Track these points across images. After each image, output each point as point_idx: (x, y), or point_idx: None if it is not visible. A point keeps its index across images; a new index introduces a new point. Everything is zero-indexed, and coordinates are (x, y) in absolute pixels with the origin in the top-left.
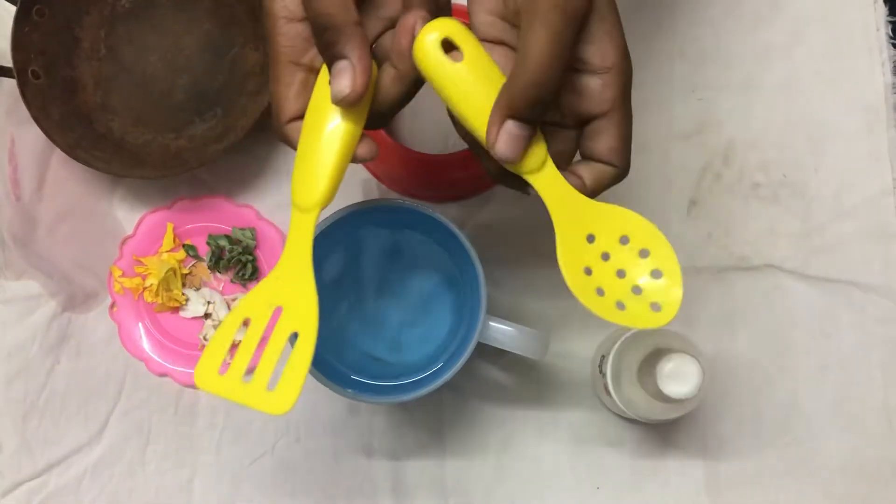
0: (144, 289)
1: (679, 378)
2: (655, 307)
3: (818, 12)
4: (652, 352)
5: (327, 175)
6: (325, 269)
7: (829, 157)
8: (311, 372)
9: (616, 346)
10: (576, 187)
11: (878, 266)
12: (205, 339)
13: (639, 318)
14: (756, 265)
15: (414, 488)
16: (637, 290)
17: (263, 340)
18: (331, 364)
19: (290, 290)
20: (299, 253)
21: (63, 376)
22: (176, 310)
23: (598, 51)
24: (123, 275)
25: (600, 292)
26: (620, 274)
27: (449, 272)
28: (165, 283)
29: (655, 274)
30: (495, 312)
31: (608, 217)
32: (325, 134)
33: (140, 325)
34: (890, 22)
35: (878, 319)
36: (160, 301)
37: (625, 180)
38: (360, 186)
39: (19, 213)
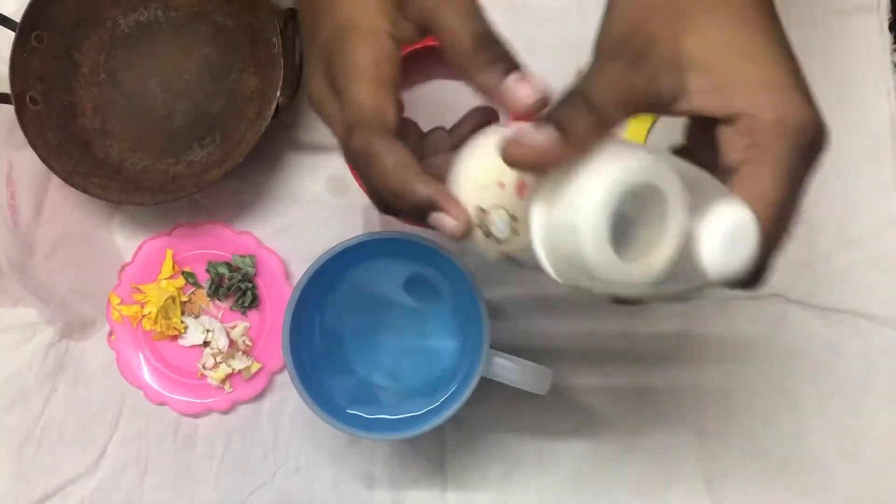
0: (143, 316)
1: (734, 243)
2: None
3: (823, 40)
4: (634, 191)
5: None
6: (328, 298)
7: (834, 185)
8: (309, 405)
9: (550, 183)
10: None
11: (885, 296)
12: (204, 367)
13: None
14: (761, 294)
15: None
16: None
17: None
18: (332, 398)
19: None
20: None
21: (60, 405)
22: (175, 338)
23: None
24: (122, 302)
25: None
26: None
27: (452, 303)
28: (164, 311)
29: None
30: (498, 341)
31: None
32: None
33: (138, 353)
34: (895, 50)
35: (884, 349)
36: (159, 329)
37: None
38: (361, 215)
39: (16, 239)
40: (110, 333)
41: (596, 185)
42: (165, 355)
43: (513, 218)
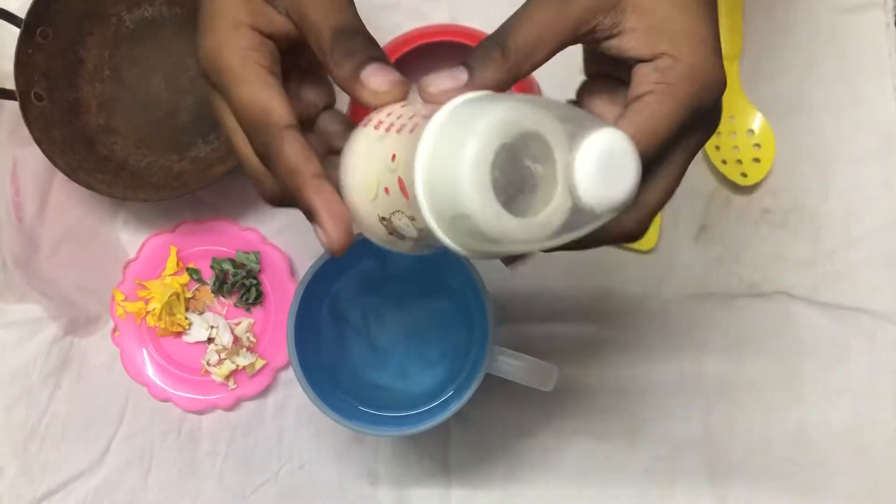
0: (147, 313)
1: (612, 171)
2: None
3: (830, 37)
4: (513, 139)
5: None
6: (332, 298)
7: (839, 182)
8: (314, 401)
9: (431, 134)
10: None
11: (889, 293)
12: (208, 364)
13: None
14: (766, 291)
15: None
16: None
17: None
18: (336, 394)
19: None
20: None
21: (64, 401)
22: (179, 334)
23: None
24: (126, 299)
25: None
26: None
27: (456, 299)
28: (168, 308)
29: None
30: (502, 340)
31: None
32: None
33: (142, 349)
34: None
35: (889, 346)
36: (163, 325)
37: None
38: None
39: (21, 235)
40: (114, 330)
41: (469, 142)
42: (169, 352)
43: (411, 218)
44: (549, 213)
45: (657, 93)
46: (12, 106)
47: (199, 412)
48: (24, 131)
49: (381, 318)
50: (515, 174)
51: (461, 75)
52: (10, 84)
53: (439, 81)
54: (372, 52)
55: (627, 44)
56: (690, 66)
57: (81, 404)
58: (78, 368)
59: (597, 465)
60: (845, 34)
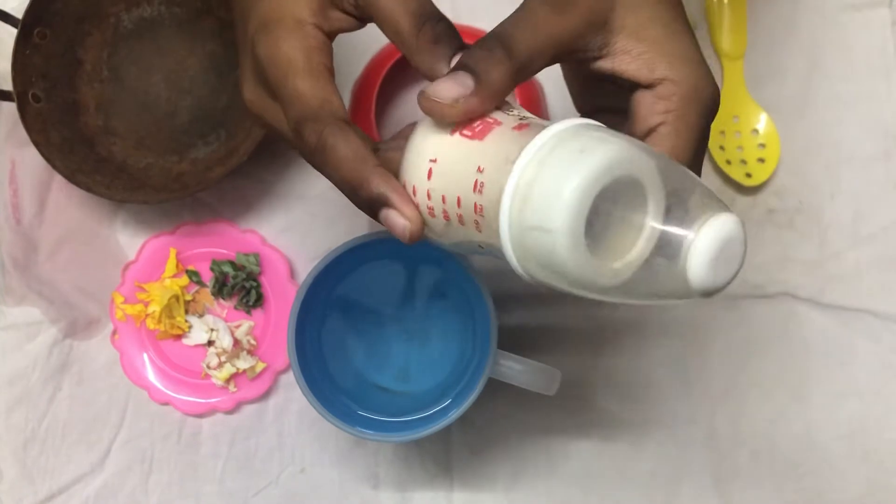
0: (147, 315)
1: (725, 256)
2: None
3: (835, 35)
4: (615, 185)
5: None
6: (334, 298)
7: (845, 183)
8: (315, 406)
9: (521, 169)
10: None
11: None
12: (208, 367)
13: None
14: (771, 293)
15: None
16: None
17: None
18: (338, 398)
19: None
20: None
21: (64, 404)
22: (179, 337)
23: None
24: (125, 301)
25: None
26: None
27: (457, 302)
28: (168, 310)
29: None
30: (504, 341)
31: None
32: None
33: (142, 352)
34: None
35: (895, 348)
36: (163, 328)
37: None
38: None
39: (20, 237)
40: (114, 332)
41: (574, 181)
42: (169, 355)
43: (475, 223)
44: (624, 263)
45: (669, 123)
46: (10, 107)
47: (200, 415)
48: (22, 132)
49: (382, 321)
50: (603, 213)
51: (467, 81)
52: (8, 85)
53: (447, 90)
54: (459, 39)
55: (621, 66)
56: (694, 88)
57: (81, 407)
58: (78, 371)
59: (601, 468)
60: (851, 32)
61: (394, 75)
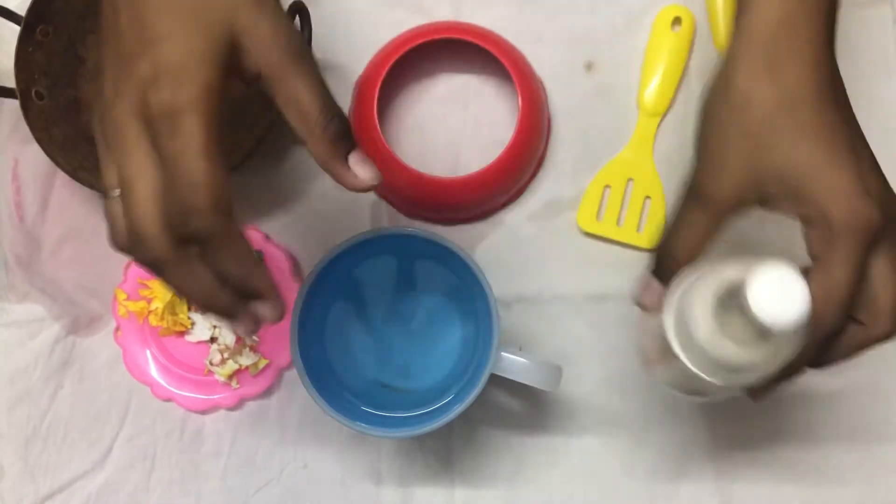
0: (149, 312)
1: (781, 296)
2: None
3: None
4: (728, 289)
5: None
6: (336, 294)
7: None
8: (318, 402)
9: (675, 301)
10: None
11: None
12: (211, 364)
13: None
14: None
15: None
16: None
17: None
18: (341, 394)
19: (638, 167)
20: (643, 144)
21: (66, 401)
22: (181, 334)
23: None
24: (128, 298)
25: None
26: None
27: (459, 299)
28: (171, 307)
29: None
30: (505, 337)
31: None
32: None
33: (145, 349)
34: None
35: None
36: (165, 325)
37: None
38: (369, 210)
39: (22, 234)
40: (117, 329)
41: (700, 298)
42: (172, 351)
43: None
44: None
45: (825, 258)
46: (12, 104)
47: (203, 412)
48: (25, 130)
49: (384, 317)
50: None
51: (655, 284)
52: (10, 82)
53: (647, 295)
54: (352, 136)
55: (778, 209)
56: (845, 223)
57: (84, 404)
58: (80, 368)
59: (601, 464)
60: (852, 29)
61: (396, 73)
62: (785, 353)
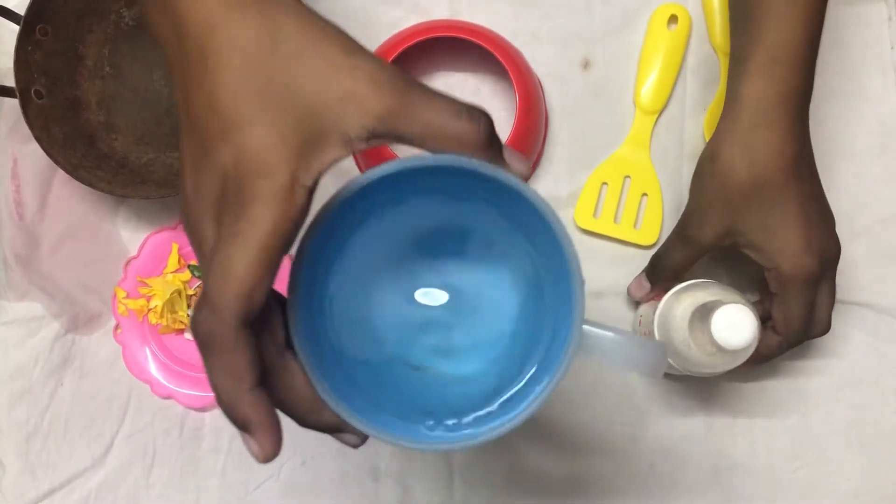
0: (149, 310)
1: (735, 328)
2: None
3: (831, 30)
4: (701, 307)
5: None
6: (356, 245)
7: (841, 176)
8: (325, 399)
9: (659, 312)
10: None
11: (892, 287)
12: None
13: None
14: None
15: None
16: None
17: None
18: (353, 387)
19: (635, 165)
20: (640, 141)
21: (66, 398)
22: (181, 332)
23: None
24: (128, 296)
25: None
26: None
27: (517, 259)
28: (170, 305)
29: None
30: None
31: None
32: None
33: (145, 347)
34: None
35: (891, 340)
36: (165, 323)
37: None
38: None
39: (22, 232)
40: (116, 327)
41: (679, 308)
42: (172, 349)
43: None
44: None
45: (780, 295)
46: (12, 103)
47: (202, 409)
48: (25, 129)
49: (418, 278)
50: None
51: (646, 284)
52: (10, 81)
53: (637, 290)
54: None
55: (745, 253)
56: (791, 274)
57: (83, 402)
58: (80, 366)
59: (600, 462)
60: (848, 27)
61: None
62: (737, 361)
